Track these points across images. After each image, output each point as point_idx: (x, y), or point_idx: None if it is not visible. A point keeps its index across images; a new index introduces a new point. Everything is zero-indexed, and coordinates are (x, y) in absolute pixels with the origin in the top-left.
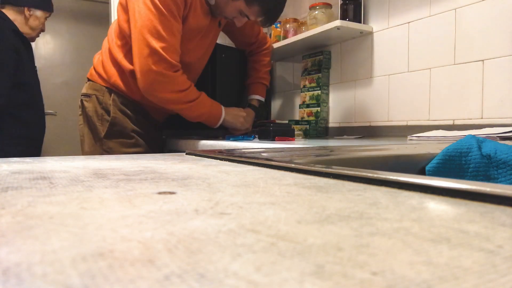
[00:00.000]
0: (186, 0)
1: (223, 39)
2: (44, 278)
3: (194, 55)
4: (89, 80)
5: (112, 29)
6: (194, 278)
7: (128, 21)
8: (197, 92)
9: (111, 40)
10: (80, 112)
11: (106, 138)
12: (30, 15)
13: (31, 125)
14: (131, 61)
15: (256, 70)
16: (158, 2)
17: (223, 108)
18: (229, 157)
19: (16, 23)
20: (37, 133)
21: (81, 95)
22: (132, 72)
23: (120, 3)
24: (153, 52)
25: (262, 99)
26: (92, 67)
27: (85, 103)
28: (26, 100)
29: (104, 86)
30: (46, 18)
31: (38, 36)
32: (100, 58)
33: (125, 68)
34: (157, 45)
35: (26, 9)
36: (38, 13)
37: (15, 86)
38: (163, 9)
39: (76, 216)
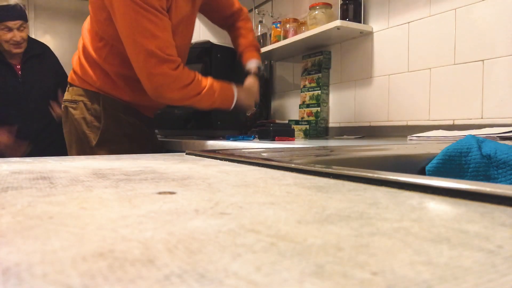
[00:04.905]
0: None
1: (221, 39)
2: (44, 278)
3: (180, 44)
4: (71, 85)
5: (86, 29)
6: (194, 278)
7: (106, 20)
8: (203, 80)
9: (87, 41)
10: (64, 119)
11: (98, 146)
12: None
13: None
14: (114, 62)
15: (244, 36)
16: (138, 0)
17: (235, 88)
18: (229, 157)
19: None
20: (24, 137)
21: (65, 101)
22: (117, 74)
23: (92, 2)
24: (149, 54)
25: (260, 63)
26: (72, 71)
27: (70, 110)
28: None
29: (90, 91)
30: (19, 29)
31: (17, 48)
32: (79, 61)
33: (109, 70)
34: (151, 45)
35: None
36: None
37: None
38: (146, 5)
39: (76, 216)
